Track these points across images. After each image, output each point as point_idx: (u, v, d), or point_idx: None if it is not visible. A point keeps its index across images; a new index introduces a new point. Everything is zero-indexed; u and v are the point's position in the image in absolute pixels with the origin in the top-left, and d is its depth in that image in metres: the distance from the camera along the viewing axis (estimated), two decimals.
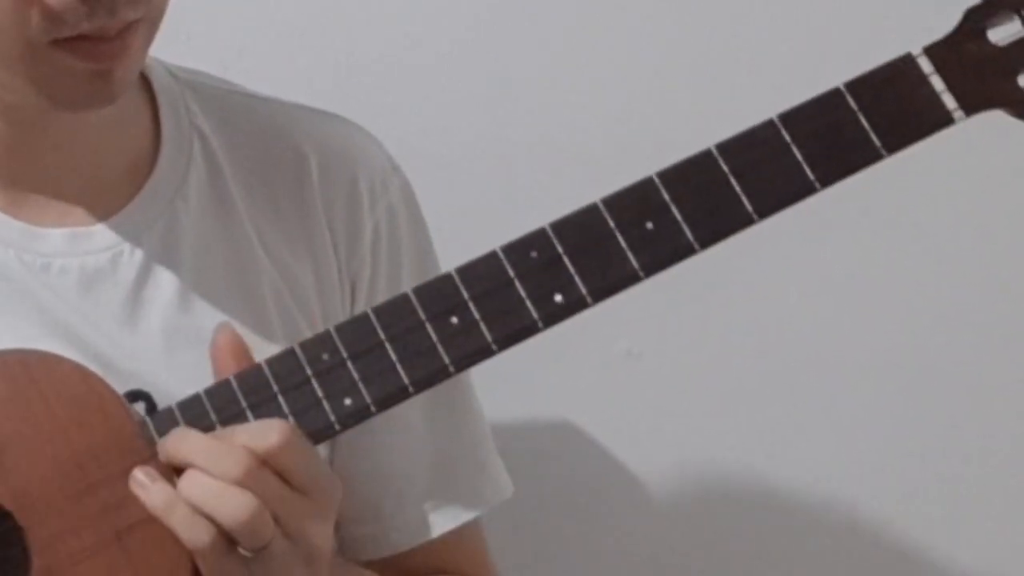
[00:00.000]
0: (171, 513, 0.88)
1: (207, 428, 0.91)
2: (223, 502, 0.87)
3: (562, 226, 0.90)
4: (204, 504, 0.87)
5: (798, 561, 1.45)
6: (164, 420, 0.92)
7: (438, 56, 1.37)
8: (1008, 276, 1.40)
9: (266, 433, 0.89)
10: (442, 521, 1.11)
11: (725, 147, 0.89)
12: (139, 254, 1.00)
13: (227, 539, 0.88)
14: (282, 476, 0.89)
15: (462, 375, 1.05)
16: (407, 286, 0.93)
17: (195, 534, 0.87)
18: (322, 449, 1.06)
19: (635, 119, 1.37)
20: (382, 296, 1.06)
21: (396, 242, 1.10)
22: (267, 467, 0.88)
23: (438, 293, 0.91)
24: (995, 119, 0.90)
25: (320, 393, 0.91)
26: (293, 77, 1.33)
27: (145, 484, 0.90)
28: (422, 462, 1.11)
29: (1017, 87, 0.89)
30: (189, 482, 0.88)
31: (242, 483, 0.87)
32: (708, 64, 1.37)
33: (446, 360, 0.90)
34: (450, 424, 1.12)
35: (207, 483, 0.87)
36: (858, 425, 1.42)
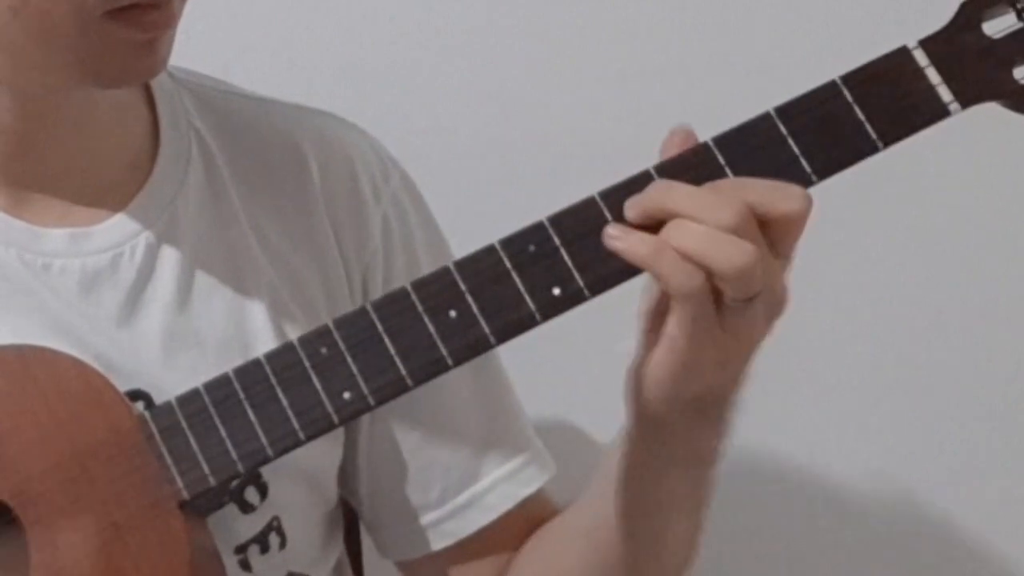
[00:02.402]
0: (659, 259, 0.85)
1: (206, 423, 0.91)
2: (720, 249, 0.84)
3: (559, 219, 0.90)
4: (698, 250, 0.84)
5: (799, 560, 1.45)
6: (162, 415, 0.92)
7: (438, 56, 1.37)
8: (1008, 267, 1.40)
9: (782, 198, 0.86)
10: (512, 490, 1.10)
11: (721, 140, 0.89)
12: (139, 255, 1.01)
13: (713, 287, 0.86)
14: (772, 239, 0.86)
15: (493, 361, 1.07)
16: (427, 272, 0.92)
17: (685, 279, 0.85)
18: (328, 446, 1.07)
19: (635, 119, 1.36)
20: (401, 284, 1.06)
21: (407, 230, 1.10)
22: (764, 227, 0.86)
23: (436, 286, 0.90)
24: (991, 112, 0.90)
25: (319, 387, 0.91)
26: (293, 77, 1.33)
27: (620, 236, 0.87)
28: (478, 437, 1.10)
29: (1013, 79, 0.89)
30: (679, 230, 0.85)
31: (737, 234, 0.85)
32: (708, 64, 1.37)
33: (444, 353, 0.90)
34: (499, 399, 1.12)
35: (701, 230, 0.85)
36: (860, 424, 1.42)
